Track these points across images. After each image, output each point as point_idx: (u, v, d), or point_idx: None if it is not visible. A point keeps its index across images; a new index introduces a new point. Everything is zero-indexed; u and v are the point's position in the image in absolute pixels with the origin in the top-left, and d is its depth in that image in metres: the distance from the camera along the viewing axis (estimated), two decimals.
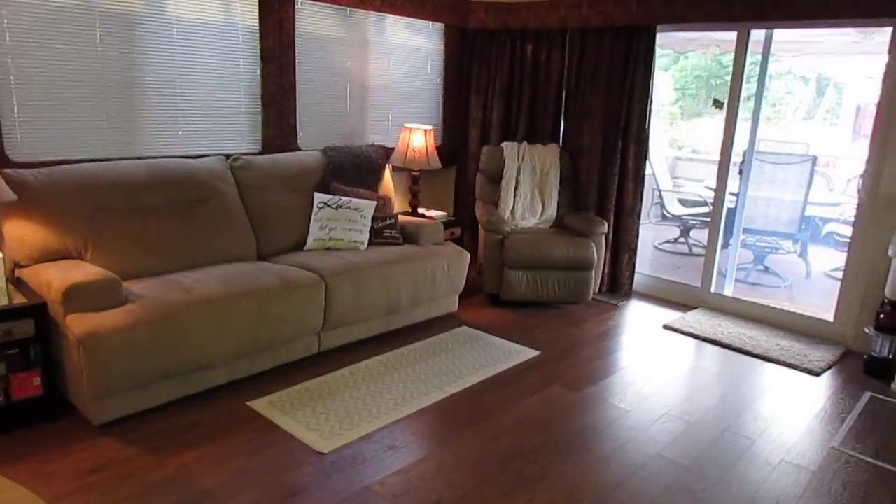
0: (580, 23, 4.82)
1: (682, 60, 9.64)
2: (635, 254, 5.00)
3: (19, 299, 2.83)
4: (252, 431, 2.86)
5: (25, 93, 3.30)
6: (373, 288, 3.71)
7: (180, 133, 3.90)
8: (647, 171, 5.10)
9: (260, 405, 3.08)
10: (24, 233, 3.10)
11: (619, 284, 5.07)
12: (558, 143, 5.19)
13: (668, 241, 7.05)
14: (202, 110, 3.97)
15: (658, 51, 4.68)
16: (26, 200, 3.08)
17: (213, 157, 3.90)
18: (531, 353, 3.85)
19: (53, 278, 2.85)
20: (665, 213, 6.85)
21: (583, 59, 4.93)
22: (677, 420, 3.16)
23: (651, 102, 4.74)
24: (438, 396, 3.25)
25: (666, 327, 4.42)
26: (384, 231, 4.13)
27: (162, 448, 2.71)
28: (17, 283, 3.05)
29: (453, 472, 2.63)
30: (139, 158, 3.66)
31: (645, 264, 5.59)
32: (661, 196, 6.82)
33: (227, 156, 4.01)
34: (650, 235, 7.23)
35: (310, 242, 3.96)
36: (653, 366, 3.80)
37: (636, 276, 5.12)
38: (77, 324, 2.72)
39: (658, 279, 5.18)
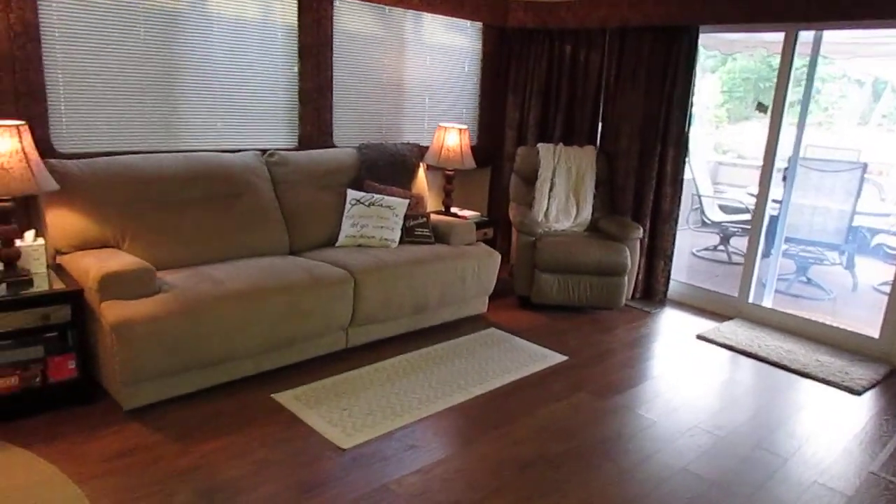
0: (620, 22, 4.74)
1: (730, 62, 9.41)
2: (671, 260, 4.90)
3: (59, 285, 2.91)
4: (275, 424, 2.90)
5: (72, 87, 3.40)
6: (401, 286, 3.71)
7: (218, 128, 3.97)
8: (687, 175, 5.00)
9: (285, 398, 3.12)
10: (66, 221, 3.19)
11: (653, 291, 4.98)
12: (595, 145, 5.12)
13: (706, 249, 6.89)
14: (240, 106, 4.03)
15: (703, 52, 4.57)
16: (69, 190, 3.17)
17: (249, 152, 3.95)
18: (559, 358, 3.80)
19: (91, 266, 2.93)
20: (704, 219, 6.69)
21: (622, 60, 4.85)
22: (706, 434, 3.08)
23: (692, 105, 4.63)
24: (462, 398, 3.24)
25: (700, 337, 4.32)
26: (416, 230, 4.13)
27: (187, 436, 2.76)
28: (57, 269, 3.14)
29: (473, 475, 2.61)
30: (178, 152, 3.74)
31: (681, 271, 5.48)
32: (700, 202, 6.67)
33: (263, 151, 4.06)
34: (688, 242, 7.08)
35: (341, 239, 3.98)
36: (684, 376, 3.71)
37: (671, 284, 5.02)
38: (111, 311, 2.78)
39: (694, 287, 5.07)
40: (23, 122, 2.83)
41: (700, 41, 4.52)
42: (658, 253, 4.90)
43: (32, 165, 2.80)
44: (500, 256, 4.29)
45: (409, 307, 3.81)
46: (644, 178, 4.85)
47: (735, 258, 6.52)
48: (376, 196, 4.07)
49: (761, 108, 8.10)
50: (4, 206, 2.82)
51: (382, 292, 3.63)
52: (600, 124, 5.11)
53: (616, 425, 3.09)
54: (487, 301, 4.41)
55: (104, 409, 2.93)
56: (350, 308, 3.51)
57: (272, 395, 3.15)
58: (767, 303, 4.78)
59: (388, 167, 4.38)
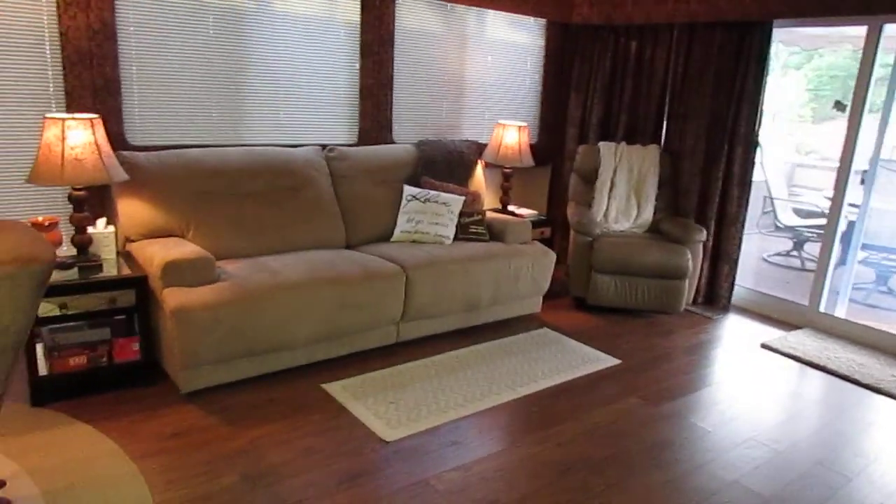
0: (688, 17, 4.59)
1: (816, 59, 8.95)
2: (736, 265, 4.71)
3: (126, 271, 3.06)
4: (323, 413, 2.96)
5: (145, 82, 3.56)
6: (453, 283, 3.72)
7: (281, 123, 4.08)
8: (759, 177, 4.79)
9: (333, 389, 3.18)
10: (135, 210, 3.35)
11: (716, 296, 4.80)
12: (659, 144, 4.98)
13: (778, 254, 6.60)
14: (303, 102, 4.13)
15: (784, 48, 4.39)
16: (138, 181, 3.33)
17: (310, 146, 4.04)
18: (611, 362, 3.72)
19: (155, 254, 3.07)
20: (777, 223, 6.40)
21: (690, 56, 4.70)
22: (763, 447, 2.95)
23: (762, 103, 4.43)
24: (509, 397, 3.22)
25: (764, 346, 4.14)
26: (470, 227, 4.13)
27: (238, 420, 2.85)
28: (126, 256, 3.30)
29: (513, 475, 2.59)
30: (242, 146, 3.86)
31: (748, 277, 5.26)
32: (773, 205, 6.38)
33: (324, 146, 4.15)
34: (758, 246, 6.79)
35: (396, 234, 4.02)
36: (744, 386, 3.57)
37: (736, 289, 4.83)
38: (172, 297, 2.91)
39: (761, 294, 4.86)
40: (96, 116, 2.98)
41: (779, 37, 4.33)
42: (723, 257, 4.72)
43: (104, 157, 2.95)
44: (554, 256, 4.23)
45: (460, 304, 3.81)
46: (710, 179, 4.68)
47: (809, 265, 6.22)
48: (432, 192, 4.09)
49: (839, 106, 7.66)
50: (78, 195, 2.98)
51: (434, 288, 3.64)
52: (665, 123, 4.96)
53: (666, 433, 3.00)
54: (541, 301, 4.36)
55: (163, 390, 3.06)
56: (401, 303, 3.54)
57: (322, 384, 3.22)
58: (840, 312, 4.53)
59: (445, 164, 4.40)
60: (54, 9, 3.23)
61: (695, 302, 4.82)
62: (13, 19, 3.15)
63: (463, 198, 4.14)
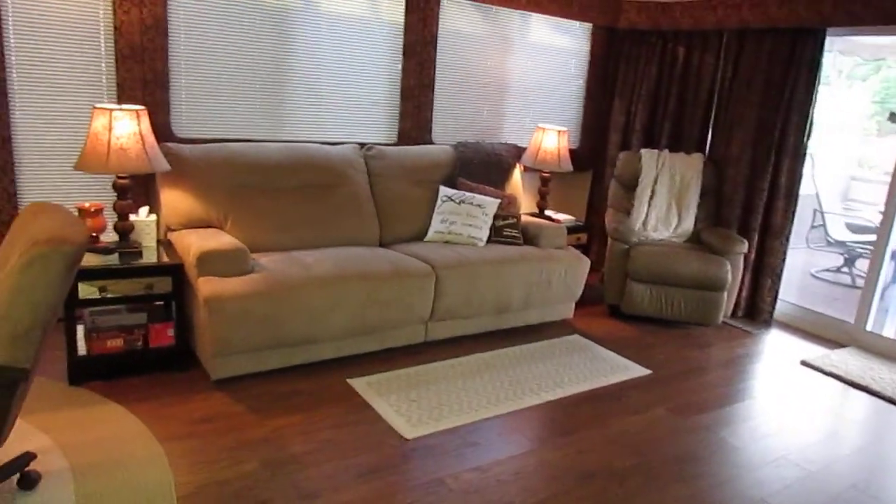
0: (739, 24, 4.49)
1: (885, 69, 8.62)
2: (780, 279, 4.57)
3: (164, 259, 3.16)
4: (346, 407, 2.99)
5: (191, 77, 3.68)
6: (484, 285, 3.71)
7: (322, 120, 4.15)
8: (810, 190, 4.65)
9: (358, 384, 3.21)
10: (177, 200, 3.46)
11: (757, 310, 4.67)
12: (704, 152, 4.87)
13: (827, 270, 6.37)
14: (343, 100, 4.19)
15: (846, 59, 4.22)
16: (181, 172, 3.44)
17: (348, 145, 4.10)
18: (641, 371, 3.66)
19: (192, 243, 3.15)
20: (828, 238, 6.19)
21: (738, 64, 4.59)
22: (794, 466, 2.85)
23: (813, 113, 4.30)
24: (533, 401, 3.20)
25: (805, 363, 4.01)
26: (504, 230, 4.12)
27: (264, 409, 2.91)
28: (167, 244, 3.40)
29: (530, 479, 2.57)
30: (283, 142, 3.95)
31: (792, 292, 5.09)
32: (823, 219, 6.17)
33: (362, 145, 4.20)
34: (805, 261, 6.57)
35: (430, 234, 4.04)
36: (779, 403, 3.46)
37: (779, 304, 4.68)
38: (206, 286, 2.98)
39: (805, 310, 4.70)
40: (142, 107, 3.09)
41: (835, 45, 4.19)
42: (765, 270, 4.59)
43: (147, 147, 3.06)
44: (588, 262, 4.18)
45: (490, 306, 3.80)
46: (754, 190, 4.56)
47: (859, 282, 5.98)
48: (467, 194, 4.09)
49: (893, 118, 7.35)
50: (122, 183, 3.10)
51: (463, 289, 3.65)
52: (710, 131, 4.86)
53: (693, 446, 2.93)
54: (574, 307, 4.31)
55: (194, 376, 3.15)
56: (430, 302, 3.56)
57: (348, 379, 3.26)
58: (889, 332, 4.35)
59: (482, 166, 4.40)
60: (110, 4, 3.36)
61: (734, 315, 4.70)
62: (71, 13, 3.29)
63: (498, 200, 4.13)
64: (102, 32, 3.39)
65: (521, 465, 2.66)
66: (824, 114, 4.40)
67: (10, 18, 3.15)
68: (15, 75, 3.23)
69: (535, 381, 3.41)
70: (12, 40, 3.18)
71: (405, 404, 3.05)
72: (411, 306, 3.50)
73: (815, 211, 6.30)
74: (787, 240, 4.51)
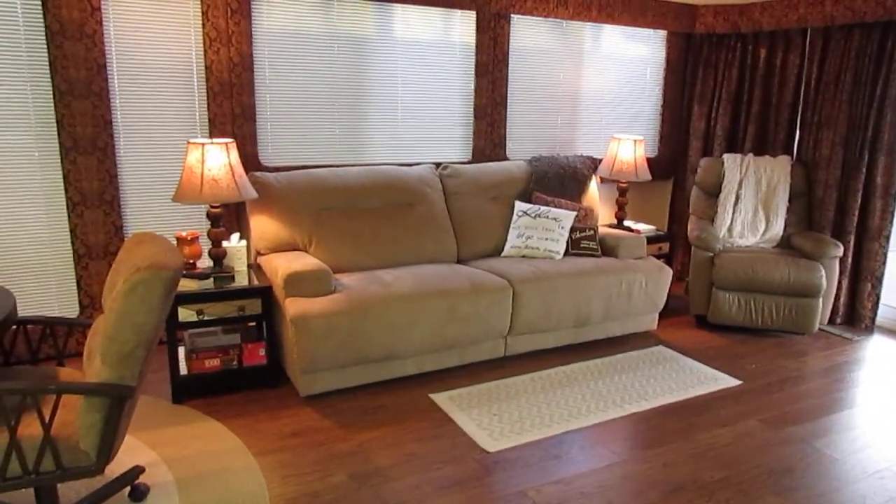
0: (823, 21, 4.30)
1: None
2: (881, 283, 4.30)
3: (255, 282, 3.34)
4: (429, 421, 3.05)
5: (276, 108, 3.89)
6: (562, 298, 3.70)
7: (398, 142, 4.28)
8: None
9: (440, 398, 3.27)
10: (265, 226, 3.65)
11: (858, 317, 4.41)
12: (791, 155, 4.68)
13: None
14: (419, 122, 4.31)
15: None
16: (268, 199, 3.63)
17: (424, 165, 4.21)
18: (731, 382, 3.53)
19: (280, 266, 3.32)
20: None
21: (824, 62, 4.40)
22: None
23: None
24: (616, 414, 3.15)
25: None
26: (581, 242, 4.10)
27: (350, 424, 3.01)
28: (257, 268, 3.60)
29: (614, 492, 2.54)
30: (362, 165, 4.10)
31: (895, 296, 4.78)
32: None
33: (438, 164, 4.30)
34: None
35: (507, 249, 4.08)
36: (882, 413, 3.25)
37: (882, 309, 4.41)
38: (293, 306, 3.13)
39: None
40: (231, 140, 3.30)
41: None
42: (864, 274, 4.34)
43: (237, 177, 3.26)
44: (670, 271, 4.09)
45: (570, 319, 3.79)
46: (848, 191, 4.33)
47: None
48: (542, 208, 4.11)
49: None
50: (215, 212, 3.31)
51: (542, 303, 3.65)
52: (797, 133, 4.66)
53: (787, 458, 2.80)
54: (658, 318, 4.22)
55: (285, 393, 3.30)
56: (508, 316, 3.58)
57: (430, 394, 3.32)
58: None
59: (557, 179, 4.40)
60: (201, 45, 3.62)
61: (832, 322, 4.46)
62: (168, 56, 3.57)
63: (574, 213, 4.12)
64: (195, 71, 3.65)
65: (604, 477, 2.63)
66: None
67: (115, 64, 3.46)
68: (119, 117, 3.52)
69: (618, 393, 3.36)
70: (116, 85, 3.49)
71: (487, 418, 3.08)
72: (490, 321, 3.53)
73: None
74: (888, 241, 4.25)
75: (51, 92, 3.34)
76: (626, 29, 4.91)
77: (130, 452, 2.71)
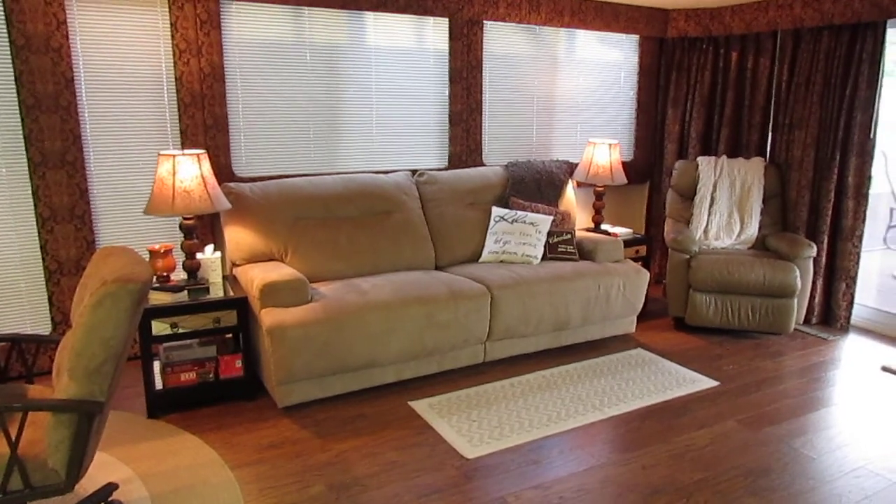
0: (792, 23, 4.37)
1: None
2: (855, 282, 4.36)
3: (230, 293, 3.31)
4: (408, 429, 3.04)
5: (249, 119, 3.87)
6: (540, 302, 3.71)
7: (374, 150, 4.27)
8: (884, 188, 4.44)
9: (420, 406, 3.25)
10: (240, 237, 3.62)
11: (832, 316, 4.46)
12: (764, 156, 4.74)
13: None
14: (394, 129, 4.31)
15: None
16: (242, 210, 3.60)
17: (400, 172, 4.20)
18: (709, 384, 3.55)
19: (255, 277, 3.29)
20: None
21: (795, 64, 4.47)
22: (875, 476, 2.70)
23: (878, 109, 4.12)
24: (595, 417, 3.15)
25: (886, 369, 3.80)
26: (559, 246, 4.11)
27: (329, 434, 2.99)
28: (232, 279, 3.57)
29: (593, 496, 2.54)
30: (337, 174, 4.08)
31: (870, 295, 4.84)
32: None
33: (414, 171, 4.29)
34: (883, 262, 6.21)
35: (484, 255, 4.08)
36: (858, 411, 3.29)
37: (857, 308, 4.47)
38: (268, 317, 3.11)
39: (885, 313, 4.45)
40: (203, 151, 3.27)
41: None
42: (839, 274, 4.39)
43: (209, 188, 3.23)
44: (648, 274, 4.11)
45: (549, 323, 3.79)
46: (821, 192, 4.39)
47: None
48: (519, 213, 4.11)
49: None
50: (188, 224, 3.28)
51: (520, 308, 3.65)
52: (770, 134, 4.72)
53: (765, 458, 2.82)
54: (636, 321, 4.24)
55: (263, 405, 3.26)
56: (487, 322, 3.58)
57: (409, 402, 3.30)
58: None
59: (534, 184, 4.41)
60: (171, 56, 3.59)
61: (808, 322, 4.51)
62: (137, 68, 3.53)
63: (551, 217, 4.13)
64: (165, 83, 3.62)
65: (583, 481, 2.63)
66: (894, 108, 4.21)
67: (83, 77, 3.42)
68: (89, 130, 3.48)
69: (596, 396, 3.37)
70: (85, 98, 3.44)
71: (466, 424, 3.07)
72: (468, 327, 3.52)
73: (892, 209, 5.99)
74: (860, 241, 4.31)
75: (17, 107, 3.29)
76: (600, 34, 4.95)
77: (104, 469, 2.67)
